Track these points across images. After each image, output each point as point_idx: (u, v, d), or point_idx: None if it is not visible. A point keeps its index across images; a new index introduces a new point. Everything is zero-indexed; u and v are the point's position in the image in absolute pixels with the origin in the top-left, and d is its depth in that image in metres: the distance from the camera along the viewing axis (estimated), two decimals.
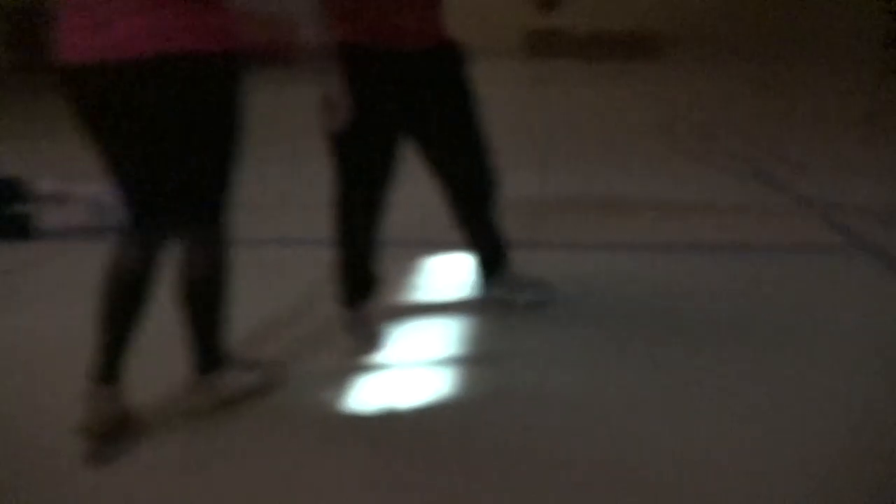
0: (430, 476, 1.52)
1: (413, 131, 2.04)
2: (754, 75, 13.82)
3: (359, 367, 2.02)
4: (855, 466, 1.52)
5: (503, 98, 7.65)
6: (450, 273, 2.73)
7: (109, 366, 1.59)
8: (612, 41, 21.71)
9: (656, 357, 2.02)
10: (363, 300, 2.19)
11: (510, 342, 2.15)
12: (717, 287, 2.55)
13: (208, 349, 1.74)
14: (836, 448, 1.58)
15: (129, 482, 1.51)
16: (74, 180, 3.29)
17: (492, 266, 2.36)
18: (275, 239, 3.27)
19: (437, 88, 2.01)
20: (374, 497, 1.46)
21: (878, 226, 3.17)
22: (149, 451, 1.63)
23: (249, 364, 1.89)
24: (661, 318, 2.29)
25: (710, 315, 2.31)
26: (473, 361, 2.04)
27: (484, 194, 2.20)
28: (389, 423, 1.74)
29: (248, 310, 2.41)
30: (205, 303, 1.68)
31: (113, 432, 1.58)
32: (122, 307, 1.58)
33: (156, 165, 1.51)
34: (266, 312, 2.41)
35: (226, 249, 1.66)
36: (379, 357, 2.08)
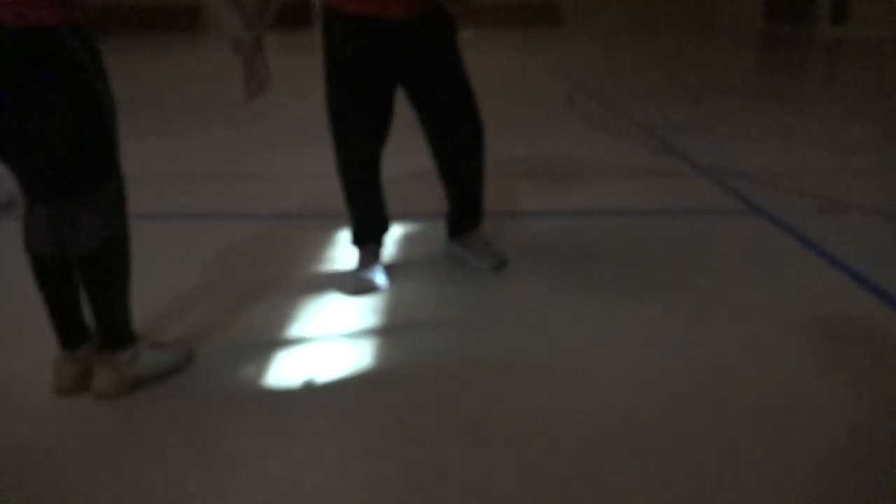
0: (387, 446, 1.54)
1: (405, 88, 2.24)
2: (644, 46, 14.30)
3: (279, 341, 2.00)
4: (749, 394, 1.65)
5: None
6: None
7: (63, 333, 1.70)
8: (514, 10, 22.71)
9: (595, 314, 2.11)
10: (377, 241, 2.44)
11: (459, 309, 2.20)
12: (634, 246, 2.67)
13: (111, 326, 1.69)
14: (735, 381, 1.71)
15: (50, 464, 1.46)
16: None
17: (461, 223, 2.51)
18: (173, 213, 3.16)
19: (426, 51, 2.18)
20: (317, 474, 1.47)
21: (767, 189, 3.39)
22: (62, 433, 1.57)
23: (158, 343, 1.84)
24: (589, 279, 2.38)
25: (629, 273, 2.42)
26: (426, 327, 2.07)
27: (466, 146, 2.35)
28: (338, 393, 1.74)
29: (153, 286, 2.34)
30: (99, 277, 1.63)
31: (78, 389, 1.72)
32: (46, 280, 1.65)
33: (8, 143, 1.50)
34: (172, 288, 2.35)
35: (111, 223, 1.62)
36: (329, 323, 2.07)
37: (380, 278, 2.38)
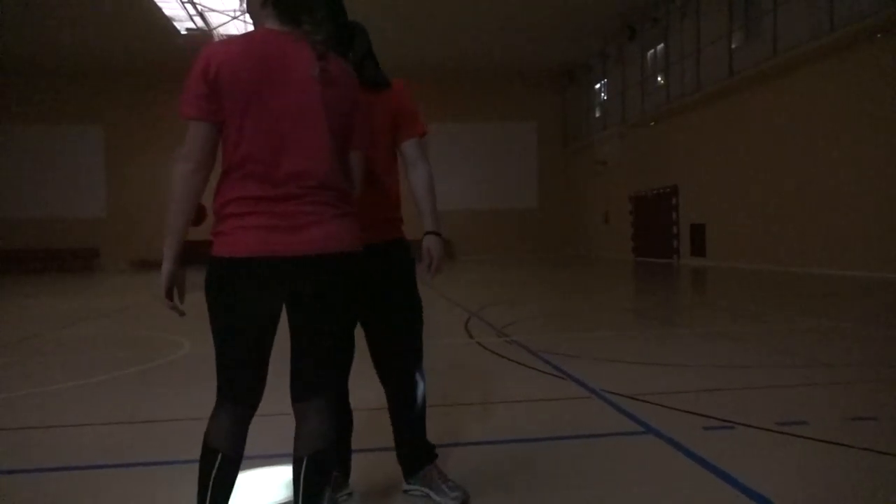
0: None
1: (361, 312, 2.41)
2: (530, 277, 15.41)
3: None
4: None
5: None
6: None
7: None
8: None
9: None
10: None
11: None
12: (552, 473, 2.69)
13: None
14: None
15: None
16: None
17: (415, 460, 2.55)
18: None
19: (384, 276, 2.39)
20: None
21: (657, 410, 3.57)
22: None
23: None
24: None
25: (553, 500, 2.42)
26: None
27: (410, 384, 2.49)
28: None
29: None
30: (321, 478, 1.84)
31: None
32: (221, 478, 1.78)
33: (310, 343, 1.85)
34: None
35: (334, 424, 1.89)
36: None
37: None
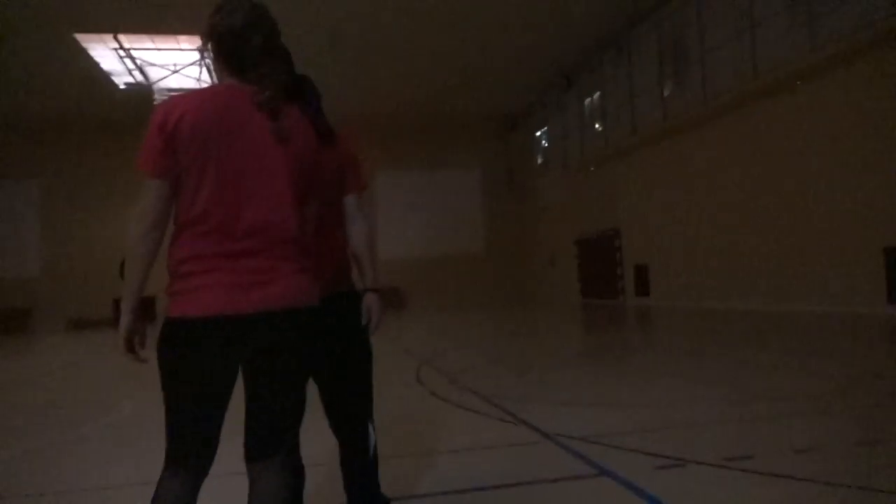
0: None
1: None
2: (480, 322, 15.46)
3: None
4: None
5: None
6: None
7: None
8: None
9: None
10: None
11: None
12: None
13: None
14: None
15: None
16: None
17: None
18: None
19: (339, 328, 2.41)
20: None
21: (608, 451, 3.59)
22: None
23: None
24: None
25: None
26: None
27: (361, 436, 2.47)
28: None
29: None
30: None
31: None
32: None
33: (270, 400, 1.79)
34: None
35: (297, 479, 1.94)
36: None
37: None
